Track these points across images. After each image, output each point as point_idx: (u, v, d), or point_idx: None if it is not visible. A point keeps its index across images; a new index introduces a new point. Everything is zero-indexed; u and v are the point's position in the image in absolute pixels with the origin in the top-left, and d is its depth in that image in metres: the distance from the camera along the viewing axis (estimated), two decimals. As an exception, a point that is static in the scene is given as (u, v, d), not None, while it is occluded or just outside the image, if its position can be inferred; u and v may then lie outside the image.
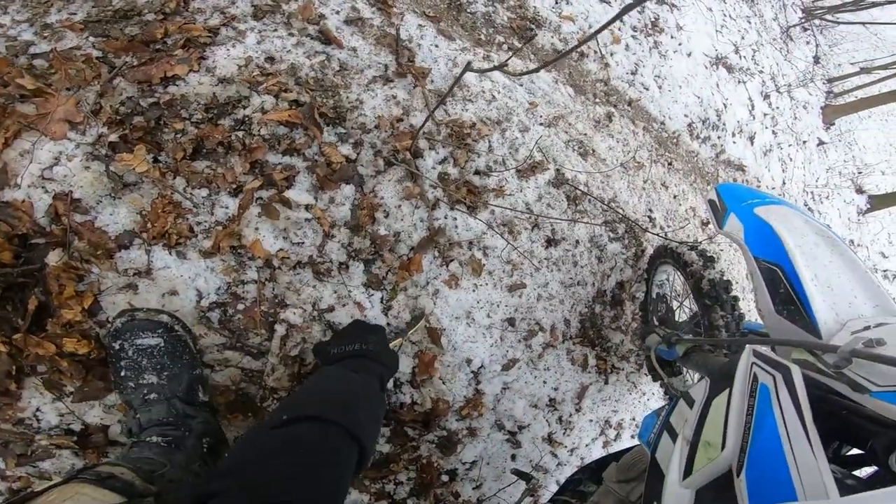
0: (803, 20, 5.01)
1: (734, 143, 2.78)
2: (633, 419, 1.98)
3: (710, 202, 1.16)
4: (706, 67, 2.74)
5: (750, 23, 3.84)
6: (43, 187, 0.96)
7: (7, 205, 0.93)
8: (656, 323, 1.70)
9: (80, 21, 1.12)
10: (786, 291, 0.90)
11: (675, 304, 1.64)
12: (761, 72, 3.49)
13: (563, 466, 1.72)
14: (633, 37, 2.28)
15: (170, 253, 1.00)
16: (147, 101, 1.06)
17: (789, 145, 3.63)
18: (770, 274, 0.94)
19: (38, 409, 1.01)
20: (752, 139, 2.99)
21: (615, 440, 1.93)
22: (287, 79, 1.19)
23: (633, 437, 2.01)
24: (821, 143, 4.35)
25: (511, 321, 1.42)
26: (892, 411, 0.60)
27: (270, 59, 1.22)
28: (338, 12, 1.41)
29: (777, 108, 3.53)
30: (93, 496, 0.74)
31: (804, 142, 3.96)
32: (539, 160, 1.52)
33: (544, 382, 1.55)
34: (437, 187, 1.28)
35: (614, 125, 1.94)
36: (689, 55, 2.59)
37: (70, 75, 1.03)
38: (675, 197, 2.10)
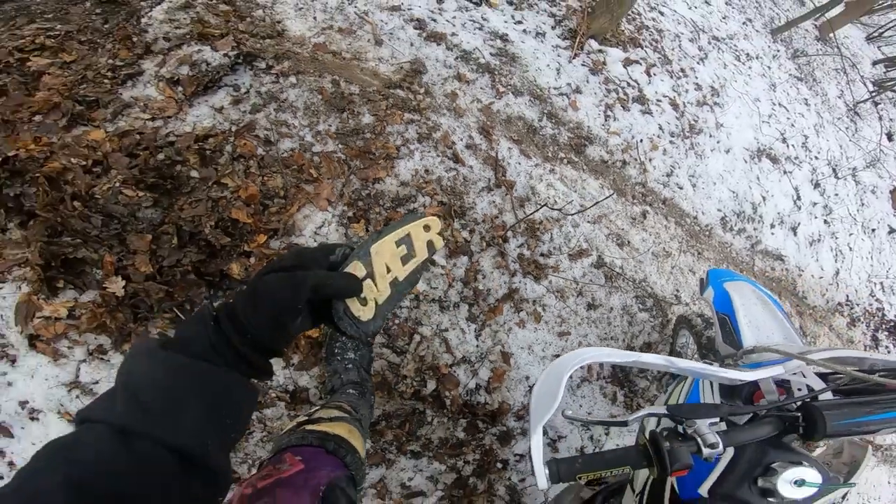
0: (874, 94, 5.59)
1: (772, 234, 3.62)
2: None
3: (700, 279, 2.18)
4: (745, 161, 3.63)
5: (808, 104, 4.58)
6: (313, 238, 2.12)
7: (296, 245, 2.10)
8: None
9: (334, 132, 2.33)
10: (729, 330, 1.61)
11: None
12: (816, 158, 4.19)
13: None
14: (671, 142, 3.33)
15: (368, 285, 2.15)
16: (364, 192, 2.24)
17: (850, 234, 4.24)
18: (722, 320, 1.76)
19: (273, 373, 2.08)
20: (794, 230, 3.77)
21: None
22: (436, 185, 2.35)
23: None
24: (892, 230, 4.72)
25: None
26: (745, 376, 1.12)
27: (427, 171, 2.39)
28: (462, 140, 2.59)
29: (833, 195, 4.27)
30: (337, 412, 1.42)
31: (872, 230, 4.52)
32: (585, 248, 2.62)
33: (580, 406, 2.56)
34: (516, 262, 2.40)
35: (648, 221, 3.01)
36: (728, 151, 3.51)
37: (331, 169, 2.22)
38: (701, 280, 3.13)
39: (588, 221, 2.72)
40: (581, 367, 2.55)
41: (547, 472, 0.94)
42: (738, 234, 3.50)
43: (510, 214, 2.50)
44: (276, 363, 2.04)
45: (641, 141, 3.24)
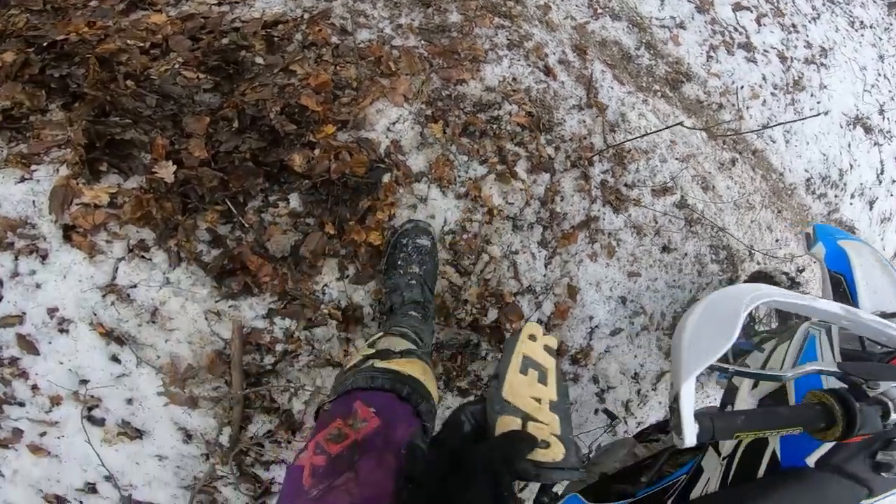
0: None
1: (851, 204, 3.29)
2: None
3: (806, 234, 1.87)
4: (841, 127, 3.27)
5: None
6: (386, 134, 1.85)
7: (367, 140, 1.83)
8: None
9: (416, 27, 2.02)
10: (843, 291, 1.41)
11: (758, 318, 2.37)
12: None
13: (621, 423, 2.46)
14: (772, 93, 2.94)
15: (440, 190, 1.88)
16: (445, 92, 1.95)
17: None
18: (835, 280, 1.50)
19: (326, 285, 1.70)
20: (871, 203, 3.45)
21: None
22: (524, 95, 2.04)
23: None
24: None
25: (623, 299, 2.21)
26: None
27: (515, 79, 2.07)
28: (554, 54, 2.24)
29: None
30: (404, 343, 1.25)
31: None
32: (670, 185, 2.29)
33: (635, 357, 2.29)
34: (599, 188, 2.10)
35: (736, 169, 2.65)
36: (826, 113, 3.13)
37: (410, 65, 1.92)
38: (776, 241, 2.78)
39: (676, 159, 2.39)
40: (644, 315, 2.27)
41: (697, 427, 0.78)
42: (818, 199, 3.12)
43: (599, 137, 2.18)
44: (330, 273, 1.80)
45: (742, 88, 2.85)
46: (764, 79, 2.96)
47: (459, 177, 1.91)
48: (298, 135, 1.76)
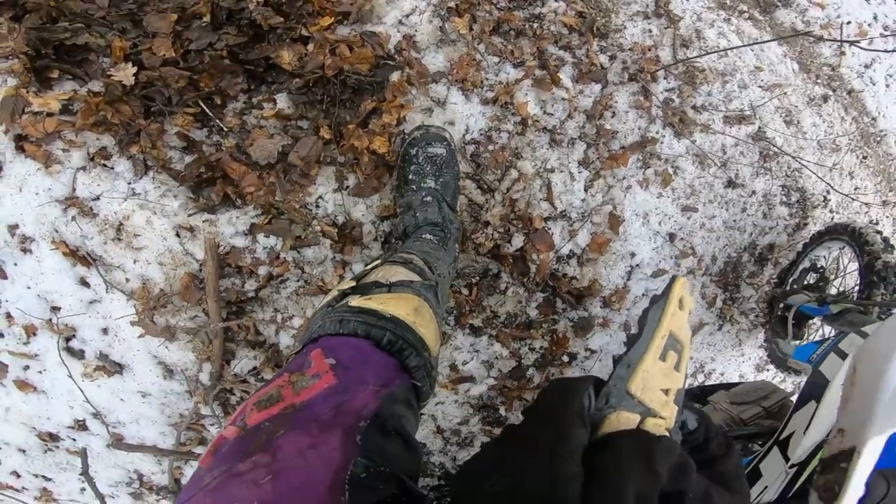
0: None
1: None
2: (723, 374, 2.19)
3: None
4: None
5: None
6: (397, 28, 1.42)
7: (373, 34, 1.40)
8: (795, 289, 1.94)
9: None
10: None
11: (829, 277, 1.86)
12: None
13: None
14: (881, 34, 2.35)
15: (462, 93, 1.44)
16: (474, -20, 1.49)
17: None
18: None
19: (320, 197, 1.36)
20: None
21: (700, 384, 2.15)
22: (576, -8, 1.56)
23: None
24: None
25: (672, 236, 1.74)
26: None
27: (562, -29, 1.59)
28: (613, -56, 1.74)
29: None
30: (403, 273, 0.93)
31: None
32: (748, 114, 1.78)
33: None
34: (660, 108, 1.61)
35: (826, 107, 2.09)
36: None
37: None
38: (855, 189, 2.22)
39: (759, 86, 1.86)
40: (693, 256, 1.80)
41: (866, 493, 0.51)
42: (908, 149, 2.52)
43: (667, 52, 1.68)
44: (326, 183, 1.40)
45: (849, 23, 2.27)
46: (875, 18, 2.37)
47: (487, 79, 1.47)
48: (287, 29, 1.35)
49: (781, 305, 1.92)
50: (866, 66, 2.30)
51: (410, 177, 1.32)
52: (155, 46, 1.28)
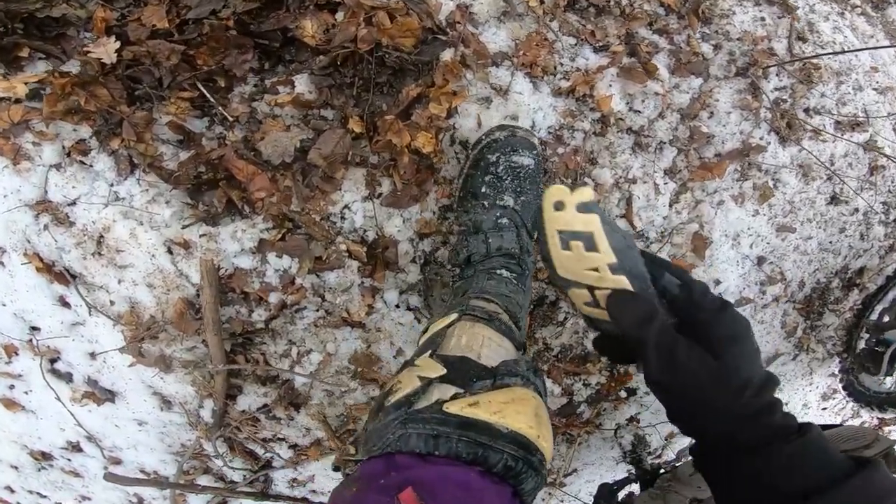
0: None
1: None
2: (787, 404, 1.85)
3: None
4: None
5: None
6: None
7: (421, 1, 1.02)
8: (889, 321, 1.59)
9: None
10: None
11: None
12: None
13: None
14: None
15: (529, 81, 1.06)
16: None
17: None
18: None
19: (346, 207, 1.03)
20: None
21: None
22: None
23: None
24: None
25: (761, 260, 1.36)
26: None
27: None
28: None
29: None
30: (495, 340, 0.69)
31: None
32: (861, 120, 1.37)
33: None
34: (770, 109, 1.21)
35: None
36: None
37: None
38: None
39: (874, 89, 1.45)
40: (782, 282, 1.42)
41: None
42: None
43: (783, 43, 1.26)
44: (354, 189, 1.03)
45: None
46: None
47: (562, 65, 1.08)
48: None
49: (871, 338, 1.57)
50: None
51: (483, 189, 0.94)
52: (145, 15, 0.92)
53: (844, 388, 1.76)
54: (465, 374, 0.58)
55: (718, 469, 0.49)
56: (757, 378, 0.45)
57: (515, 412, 0.52)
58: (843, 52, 1.29)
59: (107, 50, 0.91)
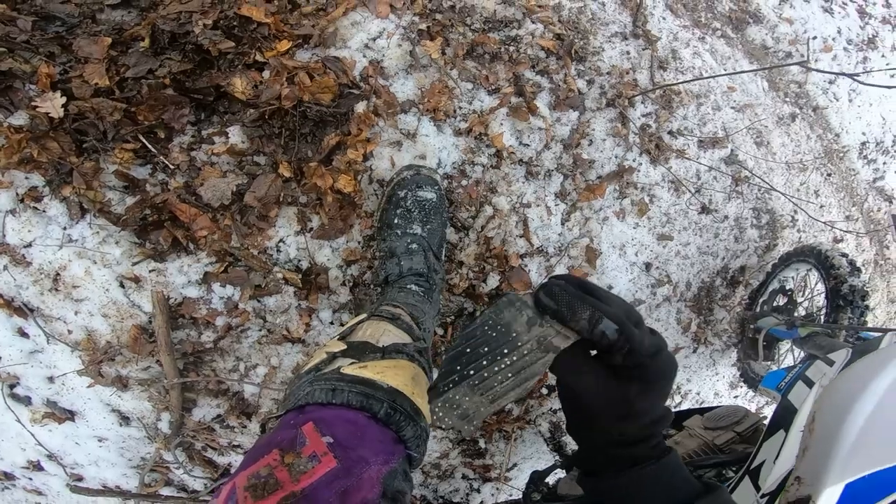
0: None
1: None
2: (699, 393, 2.07)
3: (892, 216, 1.26)
4: None
5: None
6: (363, 53, 1.20)
7: (337, 59, 1.18)
8: (765, 311, 1.81)
9: None
10: None
11: (797, 299, 1.73)
12: None
13: None
14: (844, 49, 2.21)
15: (433, 124, 1.23)
16: (447, 2, 1.26)
17: None
18: None
19: (281, 241, 1.16)
20: None
21: (675, 406, 2.05)
22: (552, 13, 1.35)
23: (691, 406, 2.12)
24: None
25: (648, 266, 1.57)
26: None
27: (537, -8, 1.38)
28: (590, -37, 1.52)
29: None
30: (393, 332, 0.81)
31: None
32: (720, 137, 1.61)
33: None
34: (637, 134, 1.42)
35: (794, 126, 1.95)
36: (893, 76, 2.45)
37: None
38: (821, 207, 2.09)
39: (732, 107, 1.69)
40: (669, 284, 1.64)
41: None
42: (868, 164, 2.41)
43: (645, 74, 1.48)
44: (287, 225, 1.18)
45: (815, 38, 2.12)
46: (839, 32, 2.23)
47: (461, 108, 1.26)
48: (239, 54, 1.12)
49: (752, 327, 1.79)
50: (830, 82, 2.16)
51: (396, 220, 1.11)
52: (87, 73, 1.04)
53: (741, 375, 1.96)
54: (362, 351, 0.73)
55: (591, 482, 0.54)
56: (660, 412, 0.50)
57: (394, 374, 0.67)
58: (691, 80, 1.51)
59: (54, 105, 1.02)
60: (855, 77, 1.59)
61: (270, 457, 0.53)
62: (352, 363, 0.69)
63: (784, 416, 0.93)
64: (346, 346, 0.74)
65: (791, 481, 0.56)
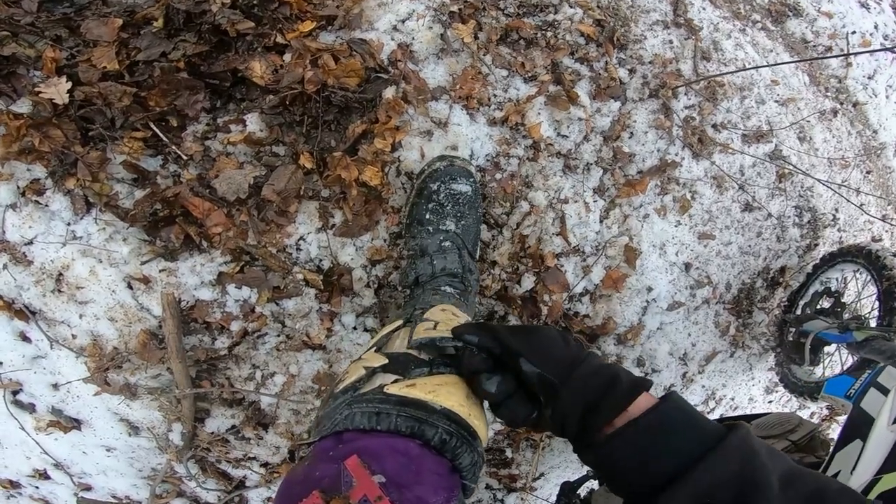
0: None
1: None
2: (733, 399, 1.95)
3: None
4: None
5: None
6: (391, 35, 1.09)
7: (363, 41, 1.07)
8: (808, 314, 1.68)
9: None
10: None
11: (846, 301, 1.60)
12: None
13: None
14: (881, 44, 2.09)
15: (466, 113, 1.12)
16: (479, -17, 1.15)
17: None
18: None
19: (302, 238, 1.06)
20: None
21: (709, 413, 1.94)
22: (593, 0, 1.23)
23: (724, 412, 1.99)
24: None
25: (688, 266, 1.45)
26: None
27: (576, -26, 1.26)
28: (632, -55, 1.40)
29: None
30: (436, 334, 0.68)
31: None
32: (765, 131, 1.48)
33: (689, 335, 1.57)
34: (681, 127, 1.30)
35: (836, 121, 1.82)
36: None
37: None
38: (861, 205, 1.96)
39: (776, 101, 1.57)
40: (709, 285, 1.52)
41: None
42: (903, 161, 2.26)
43: (688, 64, 1.36)
44: (308, 222, 1.07)
45: (853, 33, 1.99)
46: (876, 27, 2.10)
47: (495, 96, 1.15)
48: (259, 35, 1.01)
49: (794, 331, 1.67)
50: (869, 77, 2.03)
51: (428, 216, 1.00)
52: (95, 57, 0.94)
53: (781, 380, 1.84)
54: (405, 364, 0.62)
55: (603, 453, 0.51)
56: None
57: (448, 393, 0.57)
58: (745, 69, 1.39)
59: (58, 90, 0.92)
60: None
61: (310, 501, 0.44)
62: (396, 380, 0.59)
63: (859, 426, 0.87)
64: (387, 360, 0.63)
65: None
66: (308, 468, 0.49)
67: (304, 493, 0.44)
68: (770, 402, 2.04)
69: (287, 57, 1.03)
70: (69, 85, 0.93)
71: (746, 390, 1.98)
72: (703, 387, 1.79)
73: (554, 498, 1.65)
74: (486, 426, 0.61)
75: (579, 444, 0.54)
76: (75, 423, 1.23)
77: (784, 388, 1.83)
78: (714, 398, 1.84)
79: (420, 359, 0.64)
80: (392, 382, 0.58)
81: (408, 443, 0.52)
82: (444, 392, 0.56)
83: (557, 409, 0.53)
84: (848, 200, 1.62)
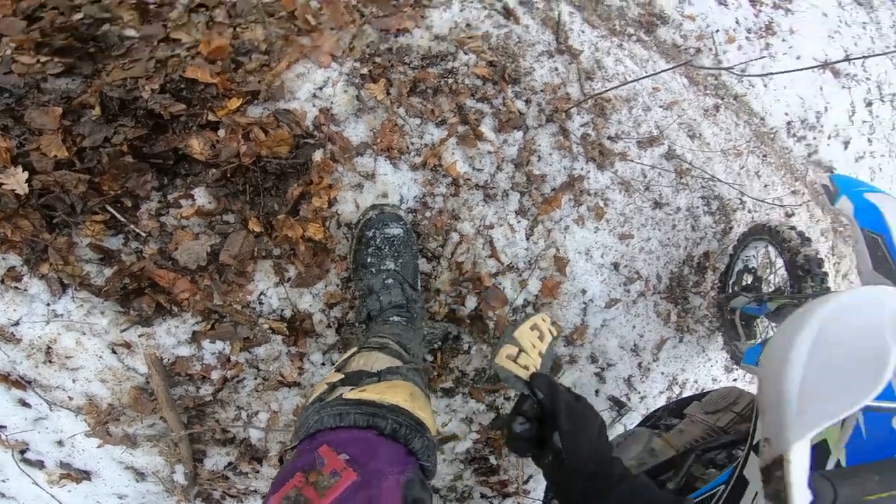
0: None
1: (828, 145, 2.52)
2: (696, 381, 1.94)
3: (824, 186, 1.19)
4: (813, 71, 2.50)
5: (865, 28, 3.37)
6: (312, 102, 1.12)
7: (288, 111, 1.11)
8: (735, 291, 1.70)
9: None
10: (883, 255, 0.99)
11: (763, 275, 1.64)
12: (868, 79, 2.99)
13: (632, 412, 1.71)
14: (746, 38, 2.15)
15: (389, 163, 1.16)
16: (384, 45, 1.20)
17: (882, 155, 3.05)
18: (872, 242, 1.01)
19: (262, 293, 1.08)
20: (846, 144, 2.68)
21: (677, 396, 1.91)
22: (482, 43, 1.28)
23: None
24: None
25: (616, 265, 1.49)
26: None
27: (469, 25, 1.31)
28: (515, -7, 1.46)
29: (877, 116, 3.11)
30: (385, 358, 0.80)
31: (899, 154, 3.46)
32: (656, 135, 1.53)
33: (633, 327, 1.58)
34: (580, 144, 1.35)
35: (720, 115, 1.88)
36: (798, 58, 2.38)
37: (335, 18, 1.17)
38: (765, 186, 2.01)
39: (660, 106, 1.62)
40: (640, 280, 1.56)
41: (811, 497, 0.42)
42: (798, 141, 2.35)
43: (575, 87, 1.41)
44: (265, 279, 1.10)
45: (717, 31, 2.04)
46: (737, 22, 2.14)
47: (413, 144, 1.19)
48: (192, 115, 1.05)
49: (728, 309, 1.69)
50: (742, 71, 2.08)
51: (369, 259, 1.04)
52: (44, 145, 0.96)
53: (731, 357, 1.82)
54: (359, 378, 0.72)
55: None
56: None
57: (394, 393, 0.67)
58: (626, 83, 1.43)
59: (17, 180, 0.94)
60: (731, 70, 1.53)
61: (295, 480, 0.52)
62: (352, 389, 0.68)
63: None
64: (343, 376, 0.73)
65: (763, 443, 0.51)
66: (292, 462, 0.58)
67: (290, 476, 0.53)
68: (735, 379, 2.03)
69: (221, 132, 1.06)
70: (26, 174, 0.94)
71: (706, 371, 1.97)
72: (663, 374, 1.79)
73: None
74: (431, 417, 0.70)
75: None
76: (85, 475, 1.24)
77: (735, 364, 1.85)
78: (676, 383, 1.84)
79: (370, 372, 0.73)
80: (349, 391, 0.67)
81: (366, 433, 0.60)
82: (390, 393, 0.66)
83: (563, 475, 0.57)
84: (738, 190, 1.67)
